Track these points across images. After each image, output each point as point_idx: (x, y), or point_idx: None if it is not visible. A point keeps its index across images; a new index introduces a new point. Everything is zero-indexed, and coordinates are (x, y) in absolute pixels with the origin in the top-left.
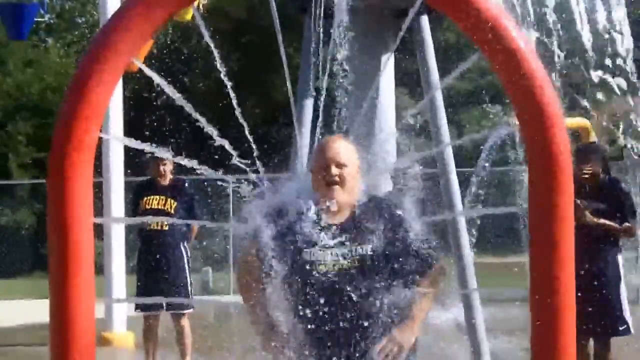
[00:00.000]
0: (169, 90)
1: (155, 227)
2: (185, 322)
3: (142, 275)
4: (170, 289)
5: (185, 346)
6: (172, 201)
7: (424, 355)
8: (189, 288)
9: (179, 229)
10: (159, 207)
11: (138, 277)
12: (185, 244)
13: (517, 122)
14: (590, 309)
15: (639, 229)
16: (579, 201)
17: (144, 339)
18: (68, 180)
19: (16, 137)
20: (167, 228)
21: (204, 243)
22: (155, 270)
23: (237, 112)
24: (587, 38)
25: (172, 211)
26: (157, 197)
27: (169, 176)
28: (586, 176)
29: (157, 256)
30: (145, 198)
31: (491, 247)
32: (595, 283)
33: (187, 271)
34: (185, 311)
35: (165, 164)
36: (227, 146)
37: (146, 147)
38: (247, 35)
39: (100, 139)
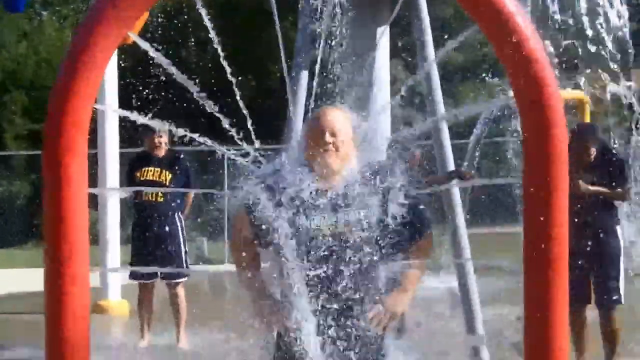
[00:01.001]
0: (164, 62)
1: (150, 199)
2: (180, 291)
3: (136, 245)
4: (165, 259)
5: (180, 315)
6: (167, 173)
7: (417, 325)
8: (184, 257)
9: (173, 201)
10: (154, 178)
11: (132, 247)
12: (180, 214)
13: (513, 94)
14: (588, 279)
15: (631, 194)
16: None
17: (138, 308)
18: (63, 152)
19: (11, 109)
20: (161, 199)
21: (200, 213)
22: (150, 241)
23: (234, 83)
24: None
25: (167, 183)
26: (152, 169)
27: (164, 148)
28: (590, 158)
29: (152, 227)
30: (141, 170)
31: (485, 217)
32: (594, 253)
33: (181, 241)
34: (179, 280)
35: (160, 136)
36: (222, 118)
37: (141, 117)
38: (242, 9)
39: (94, 110)
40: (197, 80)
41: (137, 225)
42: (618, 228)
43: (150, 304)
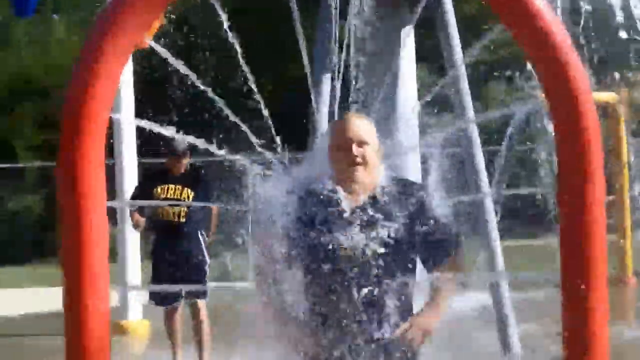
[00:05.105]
0: (182, 68)
1: (172, 219)
2: (203, 315)
3: (157, 270)
4: (187, 282)
5: (203, 340)
6: (189, 190)
7: (448, 344)
8: (205, 279)
9: (196, 219)
10: (175, 196)
11: (154, 271)
12: (203, 233)
13: (544, 98)
14: None
15: None
16: None
17: (168, 334)
18: (79, 164)
19: (22, 119)
20: (184, 219)
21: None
22: (171, 264)
23: (252, 86)
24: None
25: (190, 200)
26: (173, 186)
27: (185, 164)
28: None
29: (174, 248)
30: (160, 187)
31: (518, 229)
32: None
33: (205, 265)
34: (201, 300)
35: (185, 158)
36: (245, 128)
37: (159, 127)
38: (260, 9)
39: (110, 119)
40: (214, 87)
41: (159, 247)
42: None
43: (177, 329)
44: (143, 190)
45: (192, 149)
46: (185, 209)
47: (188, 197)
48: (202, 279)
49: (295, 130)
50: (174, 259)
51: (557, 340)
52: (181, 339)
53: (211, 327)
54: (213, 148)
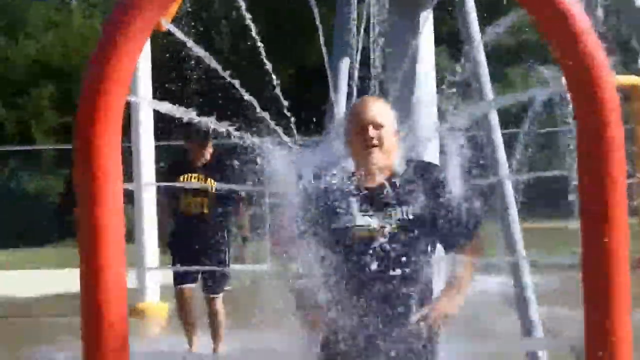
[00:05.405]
0: (201, 52)
1: (196, 210)
2: (219, 306)
3: (177, 261)
4: (209, 279)
5: (219, 330)
6: (212, 181)
7: (469, 329)
8: (227, 274)
9: (220, 211)
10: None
11: (174, 262)
12: (225, 225)
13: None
14: None
15: None
16: None
17: (180, 317)
18: (96, 145)
19: (40, 102)
20: (207, 211)
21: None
22: (194, 259)
23: (270, 71)
24: None
25: (213, 191)
26: (196, 175)
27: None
28: None
29: (195, 242)
30: (183, 176)
31: (538, 212)
32: None
33: (227, 257)
34: (218, 295)
35: (207, 145)
36: (264, 114)
37: (176, 110)
38: None
39: (127, 102)
40: (231, 71)
41: (181, 240)
42: None
43: (191, 311)
44: (166, 181)
45: (214, 136)
46: (208, 199)
47: (212, 186)
48: (222, 275)
49: (316, 115)
50: (194, 252)
51: (579, 325)
52: (195, 324)
53: (227, 316)
54: (228, 128)
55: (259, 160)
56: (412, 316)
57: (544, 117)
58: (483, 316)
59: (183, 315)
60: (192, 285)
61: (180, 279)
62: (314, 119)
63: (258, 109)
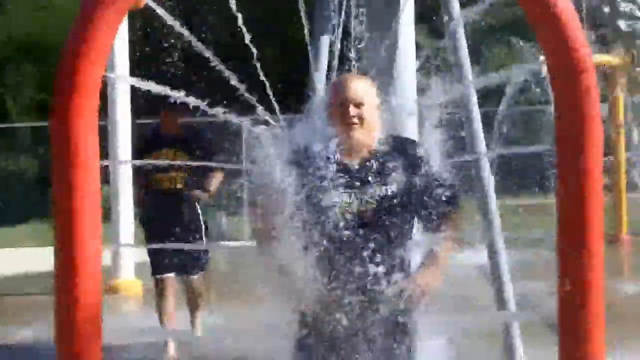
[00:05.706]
0: (180, 28)
1: (168, 186)
2: (196, 285)
3: (152, 241)
4: (185, 257)
5: (196, 308)
6: (183, 154)
7: (445, 302)
8: (204, 252)
9: (195, 185)
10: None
11: (148, 241)
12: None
13: (544, 60)
14: None
15: None
16: None
17: (157, 312)
18: (72, 122)
19: (16, 79)
20: (180, 186)
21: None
22: (169, 236)
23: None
24: None
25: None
26: (166, 150)
27: (177, 125)
28: None
29: (171, 219)
30: (153, 154)
31: (514, 188)
32: None
33: (203, 233)
34: (195, 275)
35: (178, 119)
36: (239, 85)
37: (152, 86)
38: None
39: (104, 79)
40: (212, 47)
41: (153, 217)
42: None
43: (172, 303)
44: (140, 158)
45: (189, 109)
46: (181, 174)
47: (183, 161)
48: (200, 254)
49: (298, 92)
50: (170, 232)
51: (552, 298)
52: (174, 314)
53: (205, 294)
54: (204, 105)
55: (236, 137)
56: (390, 289)
57: (526, 94)
58: (461, 290)
59: (162, 306)
60: (172, 275)
61: (159, 267)
62: (297, 97)
63: (235, 83)
